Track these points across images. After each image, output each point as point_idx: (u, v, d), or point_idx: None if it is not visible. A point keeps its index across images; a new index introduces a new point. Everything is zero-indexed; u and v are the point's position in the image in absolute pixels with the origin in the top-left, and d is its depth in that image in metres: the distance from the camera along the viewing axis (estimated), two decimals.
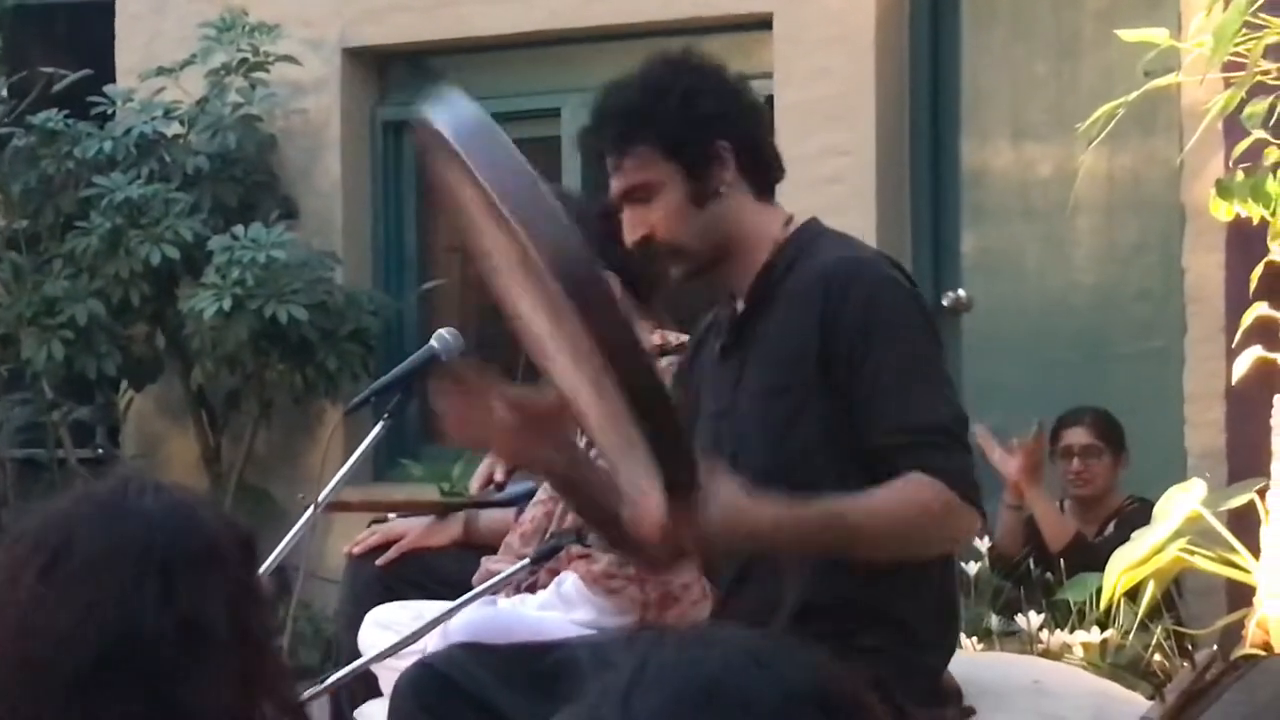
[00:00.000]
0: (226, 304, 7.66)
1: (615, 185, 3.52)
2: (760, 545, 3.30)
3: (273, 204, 8.22)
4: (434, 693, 3.55)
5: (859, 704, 1.48)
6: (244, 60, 8.18)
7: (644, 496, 3.08)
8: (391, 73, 8.52)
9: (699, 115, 3.47)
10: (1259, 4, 4.61)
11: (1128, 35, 5.01)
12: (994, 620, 5.50)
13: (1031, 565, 6.00)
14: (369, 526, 5.30)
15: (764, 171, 3.58)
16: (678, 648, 1.49)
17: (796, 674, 1.47)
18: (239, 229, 7.84)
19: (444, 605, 3.91)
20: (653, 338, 4.33)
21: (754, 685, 1.44)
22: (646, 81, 3.53)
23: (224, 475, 8.28)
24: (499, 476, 5.28)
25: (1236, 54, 4.70)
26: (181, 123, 8.27)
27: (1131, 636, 5.09)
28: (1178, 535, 4.67)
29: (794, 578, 3.38)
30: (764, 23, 7.34)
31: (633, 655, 1.48)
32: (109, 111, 8.34)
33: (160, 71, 8.25)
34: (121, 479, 2.19)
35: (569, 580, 4.26)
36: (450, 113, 2.97)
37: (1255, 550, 4.69)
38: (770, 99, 7.11)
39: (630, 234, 3.51)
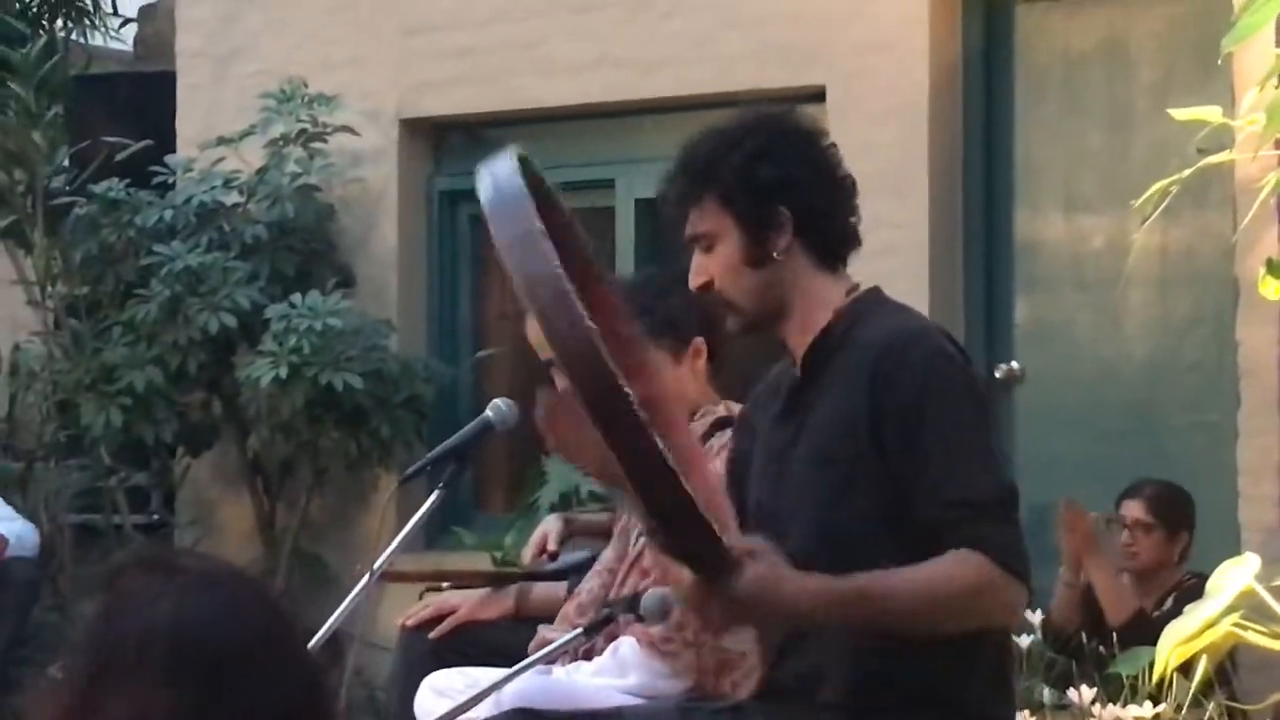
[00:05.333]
0: (283, 371, 7.73)
1: (686, 229, 3.53)
2: (794, 618, 3.29)
3: (329, 272, 8.32)
4: None
5: None
6: (303, 131, 8.29)
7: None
8: (448, 143, 8.59)
9: (760, 178, 3.44)
10: None
11: (1180, 114, 5.01)
12: (1046, 694, 5.48)
13: (1085, 638, 5.96)
14: (421, 596, 5.31)
15: (830, 242, 3.52)
16: None
17: None
18: (296, 297, 7.94)
19: (499, 673, 3.91)
20: (718, 409, 4.35)
21: None
22: (721, 135, 3.51)
23: (278, 541, 8.32)
24: (552, 545, 5.27)
25: None
26: (240, 192, 8.39)
27: (1185, 712, 5.06)
28: (1231, 610, 4.63)
29: (837, 654, 3.34)
30: (818, 95, 7.38)
31: None
32: (169, 181, 8.47)
33: (220, 141, 8.37)
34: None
35: (625, 644, 4.26)
36: (489, 178, 2.99)
37: None
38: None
39: (694, 279, 3.51)
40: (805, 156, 3.51)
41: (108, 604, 2.05)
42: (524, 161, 3.05)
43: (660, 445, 2.89)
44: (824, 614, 3.27)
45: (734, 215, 3.45)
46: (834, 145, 3.64)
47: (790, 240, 3.45)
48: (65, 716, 1.92)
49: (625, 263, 7.67)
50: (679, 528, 3.01)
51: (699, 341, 4.35)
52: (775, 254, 3.45)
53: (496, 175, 2.98)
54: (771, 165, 3.45)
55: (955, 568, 3.23)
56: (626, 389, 2.85)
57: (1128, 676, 5.38)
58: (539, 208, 3.01)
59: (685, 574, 3.13)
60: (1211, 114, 4.91)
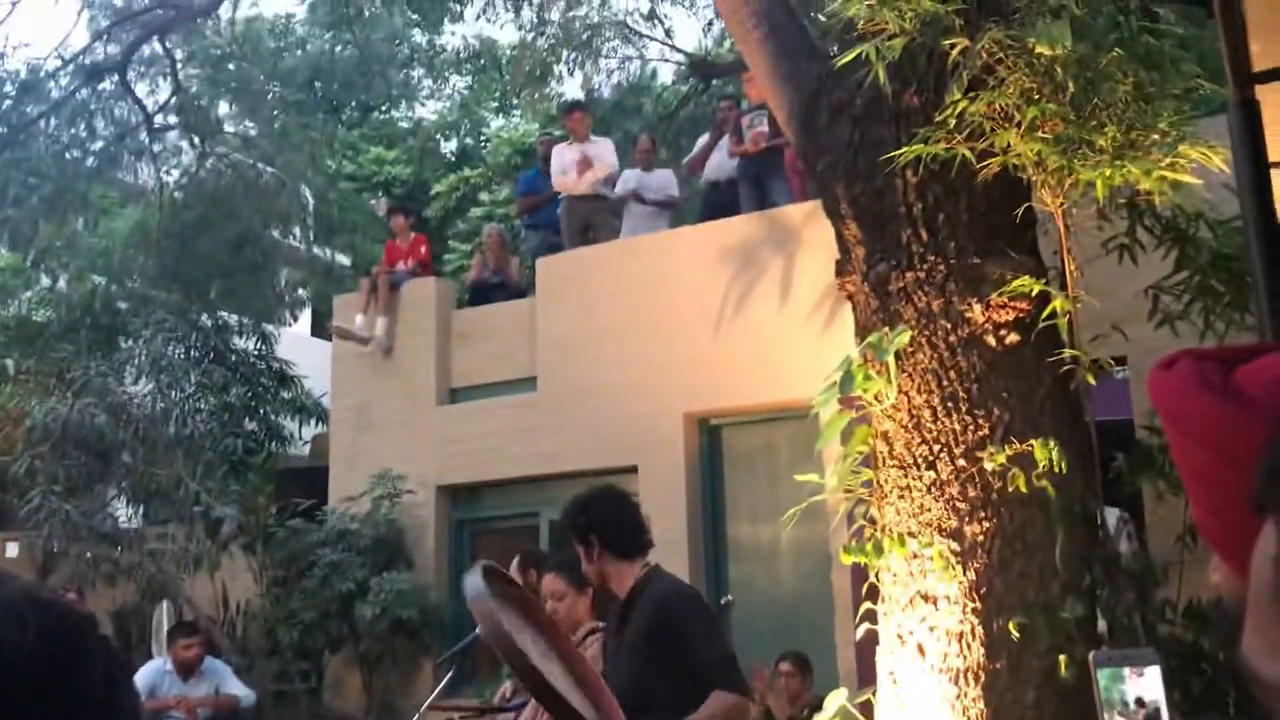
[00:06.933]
0: (378, 612, 7.57)
1: None
2: None
3: (402, 562, 8.13)
4: None
5: None
6: (389, 493, 8.35)
7: None
8: (460, 495, 8.49)
9: (580, 525, 3.37)
10: (859, 460, 4.70)
11: (800, 477, 5.08)
12: None
13: None
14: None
15: (626, 549, 3.36)
16: None
17: None
18: (385, 574, 7.75)
19: None
20: (589, 624, 4.23)
21: None
22: (569, 505, 3.48)
23: (374, 695, 7.96)
24: (508, 695, 5.06)
25: (850, 486, 4.76)
26: (358, 523, 8.23)
27: None
28: (835, 714, 4.53)
29: None
30: (634, 469, 7.45)
31: None
32: (324, 519, 8.29)
33: (348, 500, 8.33)
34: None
35: None
36: (468, 585, 2.91)
37: None
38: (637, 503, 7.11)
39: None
40: (602, 507, 3.41)
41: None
42: (486, 569, 3.00)
43: (557, 690, 2.70)
44: None
45: (576, 542, 3.40)
46: (633, 498, 3.65)
47: (601, 551, 3.37)
48: None
49: (544, 546, 7.54)
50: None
51: (589, 588, 4.27)
52: (594, 557, 3.38)
53: (469, 579, 2.90)
54: (583, 515, 3.38)
55: (716, 702, 3.07)
56: (533, 664, 2.68)
57: None
58: (494, 578, 2.92)
59: None
60: (814, 478, 4.97)
